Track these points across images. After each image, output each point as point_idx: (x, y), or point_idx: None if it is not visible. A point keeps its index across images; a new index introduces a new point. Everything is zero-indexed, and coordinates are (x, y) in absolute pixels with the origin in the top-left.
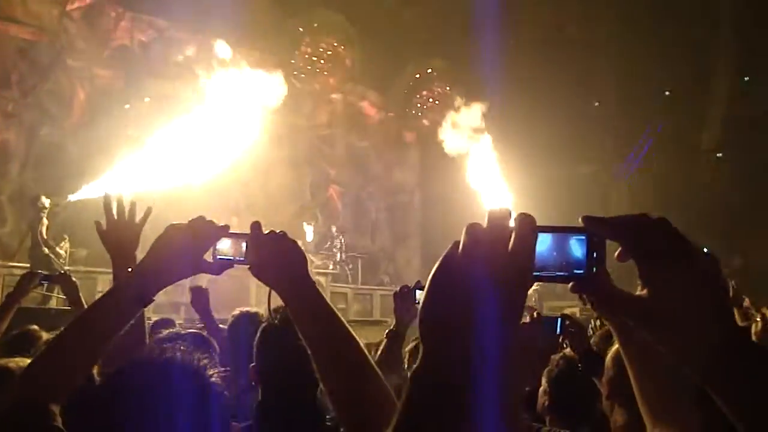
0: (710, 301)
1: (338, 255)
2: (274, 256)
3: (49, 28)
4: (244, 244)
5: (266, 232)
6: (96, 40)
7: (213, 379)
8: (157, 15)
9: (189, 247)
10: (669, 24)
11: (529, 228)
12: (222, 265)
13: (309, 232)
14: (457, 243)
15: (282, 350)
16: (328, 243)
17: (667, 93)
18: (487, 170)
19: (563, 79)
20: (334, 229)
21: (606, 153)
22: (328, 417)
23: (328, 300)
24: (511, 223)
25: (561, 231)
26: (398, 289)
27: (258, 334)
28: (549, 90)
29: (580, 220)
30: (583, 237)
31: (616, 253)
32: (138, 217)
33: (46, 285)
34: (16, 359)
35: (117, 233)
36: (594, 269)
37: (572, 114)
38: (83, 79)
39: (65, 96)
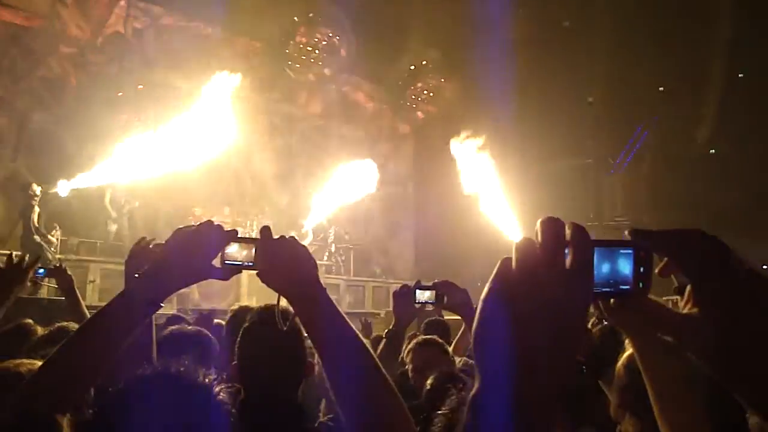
0: (759, 325)
1: (331, 246)
2: (284, 262)
3: (42, 14)
4: (253, 249)
5: (276, 237)
6: (89, 27)
7: (219, 396)
8: (152, 2)
9: (197, 251)
10: (663, 19)
11: (586, 244)
12: (230, 270)
13: (309, 224)
14: (508, 260)
15: (264, 349)
16: (321, 234)
17: (661, 89)
18: (482, 166)
19: (557, 75)
20: (325, 220)
21: (600, 148)
22: (315, 424)
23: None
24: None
25: (608, 245)
26: (398, 288)
27: (240, 333)
28: (543, 85)
29: (626, 233)
30: (630, 251)
31: (658, 268)
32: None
33: (40, 277)
34: (27, 362)
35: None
36: (641, 284)
37: (566, 109)
38: (76, 66)
39: (58, 82)
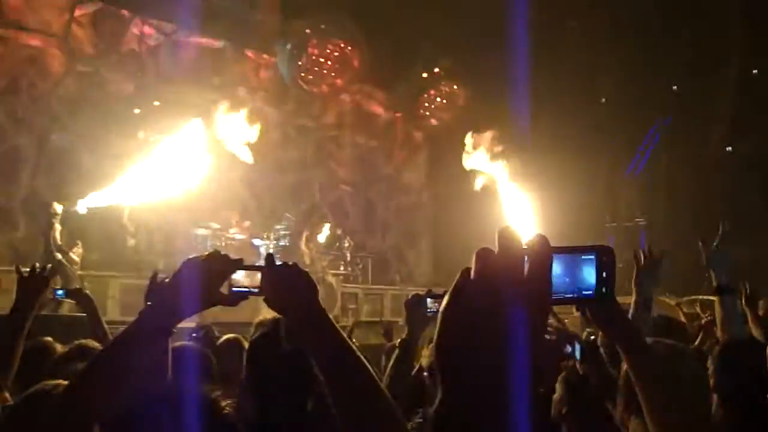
0: None
1: (347, 255)
2: (287, 288)
3: (58, 35)
4: (258, 276)
5: (279, 264)
6: (104, 46)
7: (226, 411)
8: (165, 19)
9: (206, 280)
10: (675, 17)
11: (544, 252)
12: (237, 297)
13: (322, 234)
14: (467, 270)
15: (271, 363)
16: (337, 244)
17: (674, 88)
18: (496, 170)
19: (569, 76)
20: (339, 231)
21: (614, 149)
22: None
23: (338, 305)
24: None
25: (570, 251)
26: (409, 296)
27: (247, 348)
28: (555, 87)
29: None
30: (593, 256)
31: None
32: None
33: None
34: (63, 383)
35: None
36: (604, 290)
37: (579, 110)
38: (93, 84)
39: (75, 101)
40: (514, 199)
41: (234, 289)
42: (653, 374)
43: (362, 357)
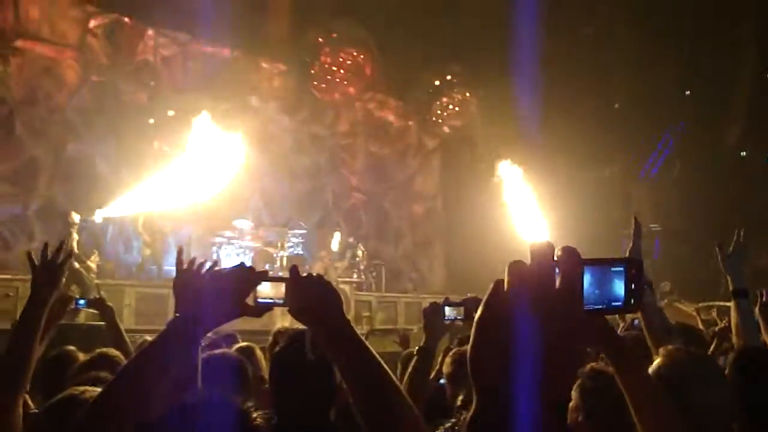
0: None
1: (360, 263)
2: (312, 299)
3: (73, 45)
4: (282, 287)
5: (304, 275)
6: (119, 56)
7: (257, 422)
8: (178, 29)
9: (231, 292)
10: (688, 21)
11: (575, 265)
12: (263, 308)
13: (334, 241)
14: (500, 282)
15: (293, 373)
16: (350, 252)
17: (687, 93)
18: (511, 175)
19: (582, 82)
20: (351, 238)
21: (628, 154)
22: None
23: (352, 313)
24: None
25: (600, 263)
26: (427, 305)
27: (271, 360)
28: (568, 94)
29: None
30: (622, 268)
31: None
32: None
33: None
34: (90, 389)
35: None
36: (632, 300)
37: (592, 117)
38: (108, 95)
39: (91, 112)
40: (526, 205)
41: (259, 300)
42: (644, 393)
43: (386, 367)
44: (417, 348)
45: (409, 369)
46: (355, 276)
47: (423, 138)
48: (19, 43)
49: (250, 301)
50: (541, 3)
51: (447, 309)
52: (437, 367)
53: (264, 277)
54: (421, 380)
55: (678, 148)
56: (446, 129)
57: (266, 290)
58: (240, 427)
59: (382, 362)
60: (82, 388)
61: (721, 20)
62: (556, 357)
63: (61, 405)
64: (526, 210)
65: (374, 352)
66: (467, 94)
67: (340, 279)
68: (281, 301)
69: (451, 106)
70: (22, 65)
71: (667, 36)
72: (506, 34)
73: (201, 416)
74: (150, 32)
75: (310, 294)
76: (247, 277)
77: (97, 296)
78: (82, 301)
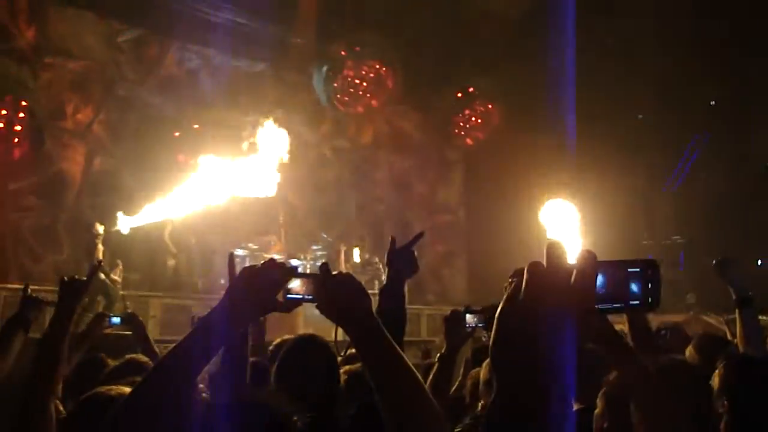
0: None
1: (382, 275)
2: (341, 296)
3: (100, 60)
4: (312, 284)
5: (334, 273)
6: (145, 70)
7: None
8: (203, 44)
9: (262, 288)
10: (712, 30)
11: (590, 265)
12: (292, 303)
13: (356, 253)
14: (519, 282)
15: (304, 372)
16: (373, 263)
17: (712, 103)
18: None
19: (605, 94)
20: (368, 255)
21: (652, 165)
22: None
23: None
24: (571, 258)
25: (618, 266)
26: (448, 312)
27: (279, 359)
28: (591, 104)
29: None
30: (638, 270)
31: None
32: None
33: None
34: (116, 387)
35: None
36: (650, 300)
37: (616, 127)
38: (134, 108)
39: (117, 125)
40: (554, 216)
41: (289, 296)
42: (644, 389)
43: (411, 365)
44: (438, 355)
45: (430, 377)
46: (376, 287)
47: (445, 150)
48: (47, 59)
49: (280, 297)
50: (564, 14)
51: (468, 316)
52: (459, 378)
53: (294, 273)
54: (442, 385)
55: (703, 159)
56: (469, 141)
57: (296, 287)
58: (286, 427)
59: (407, 360)
60: (108, 387)
61: (746, 30)
62: (573, 351)
63: (90, 404)
64: (552, 222)
65: (400, 350)
66: (490, 106)
67: None
68: (310, 297)
69: (473, 118)
70: (51, 80)
71: (691, 46)
72: (529, 46)
73: (245, 417)
74: (175, 46)
75: (339, 291)
76: (277, 273)
77: (127, 310)
78: (115, 320)
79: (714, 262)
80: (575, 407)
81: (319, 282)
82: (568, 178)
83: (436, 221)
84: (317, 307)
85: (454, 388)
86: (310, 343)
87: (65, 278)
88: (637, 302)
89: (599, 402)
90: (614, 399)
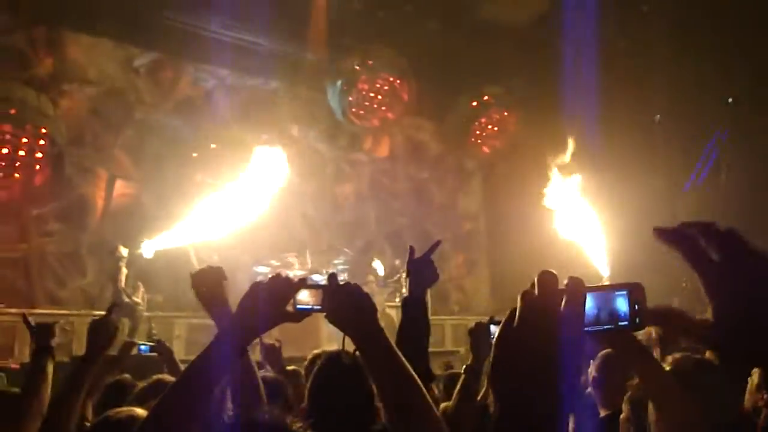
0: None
1: (404, 287)
2: (348, 305)
3: (118, 85)
4: (321, 294)
5: (342, 283)
6: (161, 93)
7: None
8: (218, 64)
9: (272, 301)
10: (727, 28)
11: (578, 291)
12: (302, 314)
13: (379, 267)
14: (514, 310)
15: (330, 389)
16: (396, 276)
17: (730, 100)
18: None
19: (621, 96)
20: (397, 261)
21: (672, 166)
22: None
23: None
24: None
25: (606, 289)
26: (473, 325)
27: (311, 377)
28: (608, 107)
29: (652, 231)
30: (625, 292)
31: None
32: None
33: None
34: (126, 409)
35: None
36: (637, 320)
37: (634, 129)
38: (152, 131)
39: (136, 148)
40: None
41: (299, 306)
42: (660, 384)
43: (412, 372)
44: (464, 367)
45: (458, 387)
46: (397, 299)
47: (463, 159)
48: (65, 86)
49: (290, 307)
50: (577, 17)
51: (492, 327)
52: (484, 386)
53: (303, 284)
54: (469, 396)
55: (722, 158)
56: (486, 149)
57: (305, 297)
58: None
59: (409, 366)
60: (118, 409)
61: (761, 27)
62: (566, 373)
63: (101, 427)
64: (572, 227)
65: (402, 357)
66: (505, 113)
67: (387, 304)
68: (319, 307)
69: (489, 126)
70: (71, 107)
71: (707, 44)
72: (542, 50)
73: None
74: (190, 68)
75: (346, 301)
76: (286, 285)
77: (152, 332)
78: (144, 347)
79: None
80: (602, 413)
81: (327, 292)
82: (585, 180)
83: (456, 231)
84: (326, 316)
85: (480, 396)
86: (342, 360)
87: (96, 320)
88: (626, 323)
89: (624, 407)
90: (639, 403)
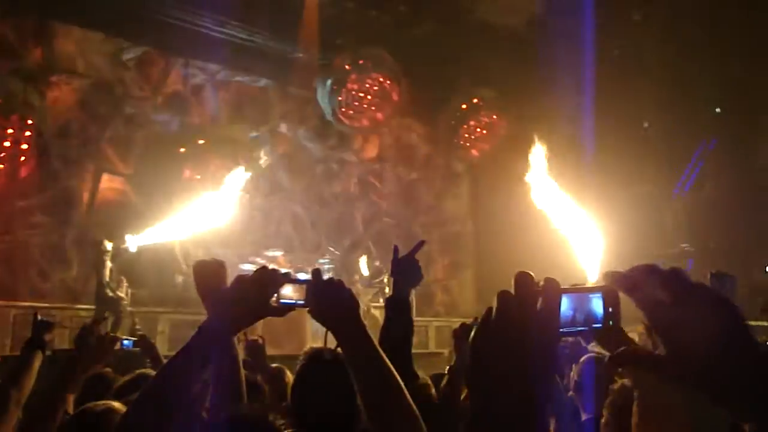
0: (721, 327)
1: (387, 288)
2: (331, 301)
3: (106, 79)
4: (304, 289)
5: (325, 278)
6: (150, 87)
7: None
8: (208, 60)
9: (256, 294)
10: (718, 38)
11: (554, 292)
12: (285, 308)
13: (363, 266)
14: (490, 309)
15: (313, 386)
16: (382, 277)
17: (717, 110)
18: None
19: (610, 102)
20: (377, 263)
21: (659, 173)
22: None
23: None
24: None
25: (581, 291)
26: (458, 327)
27: (295, 376)
28: (596, 114)
29: (603, 276)
30: (599, 294)
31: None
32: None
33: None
34: (106, 402)
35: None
36: (610, 322)
37: (622, 136)
38: (140, 125)
39: (123, 142)
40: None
41: (282, 301)
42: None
43: (393, 369)
44: (448, 368)
45: (441, 387)
46: (381, 300)
47: (451, 161)
48: (54, 78)
49: (273, 301)
50: (568, 24)
51: None
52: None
53: (287, 279)
54: (453, 398)
55: (710, 167)
56: (475, 152)
57: (289, 292)
58: None
59: (389, 364)
60: (95, 402)
61: (751, 37)
62: (536, 370)
63: (78, 420)
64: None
65: (383, 354)
66: (494, 117)
67: (372, 304)
68: (302, 302)
69: (479, 129)
70: (57, 99)
71: (696, 54)
72: (533, 55)
73: (239, 429)
74: (179, 63)
75: (329, 296)
76: (270, 279)
77: (136, 327)
78: (127, 342)
79: (710, 275)
80: (583, 417)
81: (311, 287)
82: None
83: (443, 233)
84: (309, 311)
85: (463, 397)
86: (326, 359)
87: (85, 329)
88: (599, 325)
89: (605, 411)
90: (620, 408)
